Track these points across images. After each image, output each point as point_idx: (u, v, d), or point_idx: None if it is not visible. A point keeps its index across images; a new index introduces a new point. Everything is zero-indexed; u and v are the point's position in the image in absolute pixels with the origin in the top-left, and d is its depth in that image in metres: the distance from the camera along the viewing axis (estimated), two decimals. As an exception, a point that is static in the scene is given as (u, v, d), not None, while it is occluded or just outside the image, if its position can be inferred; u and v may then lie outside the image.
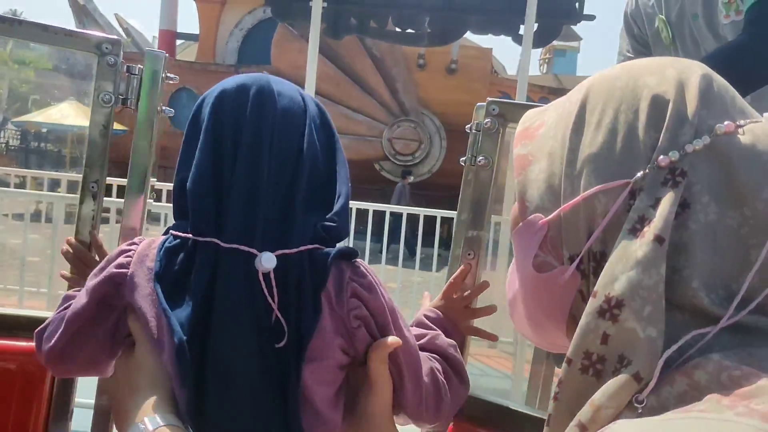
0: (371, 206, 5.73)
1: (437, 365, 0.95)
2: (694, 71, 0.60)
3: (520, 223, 0.65)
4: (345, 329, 0.82)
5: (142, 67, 1.19)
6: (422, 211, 5.82)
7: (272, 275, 0.78)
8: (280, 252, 0.79)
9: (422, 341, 1.01)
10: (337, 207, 0.85)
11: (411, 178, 13.31)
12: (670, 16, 1.77)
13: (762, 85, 1.47)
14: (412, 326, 1.06)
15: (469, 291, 1.13)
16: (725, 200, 0.54)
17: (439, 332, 1.04)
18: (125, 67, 1.18)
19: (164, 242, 0.84)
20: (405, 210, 6.26)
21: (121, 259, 0.86)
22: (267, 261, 0.78)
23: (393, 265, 5.82)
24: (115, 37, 1.17)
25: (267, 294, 0.78)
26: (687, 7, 1.70)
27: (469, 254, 1.17)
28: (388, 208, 6.00)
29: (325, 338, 0.80)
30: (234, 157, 0.82)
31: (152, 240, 0.87)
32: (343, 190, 0.87)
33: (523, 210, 0.65)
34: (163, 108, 1.19)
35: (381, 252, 5.66)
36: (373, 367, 0.83)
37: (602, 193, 0.58)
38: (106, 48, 1.15)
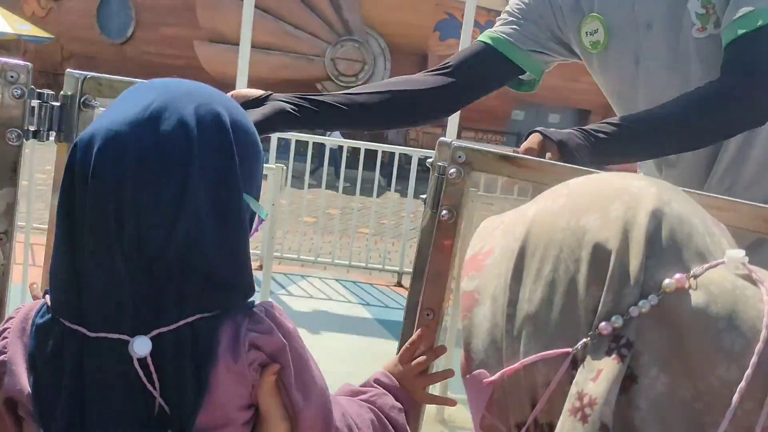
0: (311, 138, 5.66)
1: (369, 415, 0.88)
2: (643, 206, 0.52)
3: (467, 375, 0.59)
4: (245, 385, 0.73)
5: (53, 93, 1.02)
6: (364, 145, 5.74)
7: (149, 360, 0.69)
8: (155, 332, 0.69)
9: (363, 396, 0.93)
10: (233, 267, 0.73)
11: None
12: (611, 20, 1.44)
13: (741, 131, 1.34)
14: (361, 386, 0.98)
15: (424, 357, 1.04)
16: (676, 371, 0.48)
17: (386, 392, 0.96)
18: (35, 93, 1.00)
19: (37, 314, 0.73)
20: (346, 143, 6.20)
21: None
22: (140, 347, 0.68)
23: (334, 191, 5.80)
24: (22, 62, 0.98)
25: (146, 382, 0.69)
26: (638, 13, 1.42)
27: (428, 315, 1.08)
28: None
29: (220, 408, 0.72)
30: (83, 224, 0.68)
31: (30, 308, 0.76)
32: (240, 248, 0.74)
33: (469, 361, 0.59)
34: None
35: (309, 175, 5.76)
36: (261, 402, 0.75)
37: (542, 362, 0.52)
38: (12, 77, 0.97)
